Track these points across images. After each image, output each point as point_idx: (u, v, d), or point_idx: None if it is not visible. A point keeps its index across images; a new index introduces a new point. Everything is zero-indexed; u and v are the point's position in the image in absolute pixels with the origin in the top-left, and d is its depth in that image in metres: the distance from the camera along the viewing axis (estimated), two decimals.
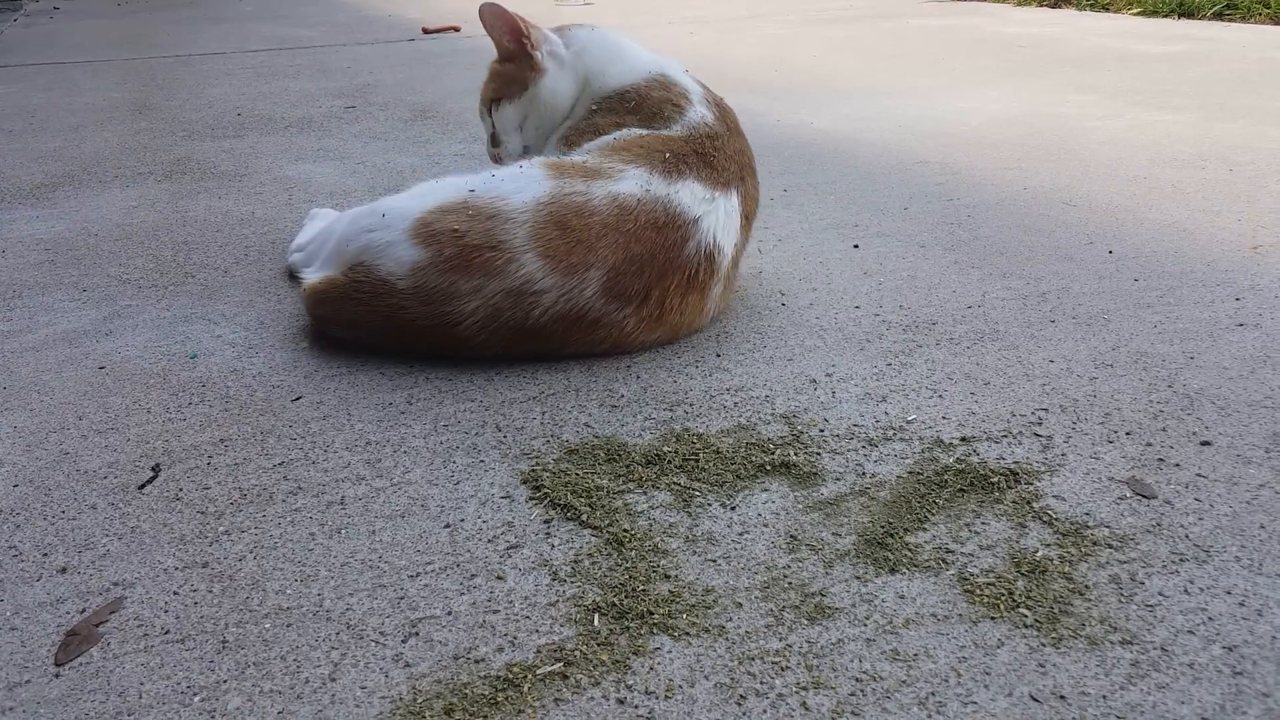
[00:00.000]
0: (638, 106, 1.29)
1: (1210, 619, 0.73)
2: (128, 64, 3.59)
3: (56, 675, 0.71)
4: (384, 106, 2.72)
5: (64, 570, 0.82)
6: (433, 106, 2.71)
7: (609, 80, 1.33)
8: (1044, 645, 0.71)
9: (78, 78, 3.31)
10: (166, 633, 0.74)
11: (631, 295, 1.12)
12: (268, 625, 0.75)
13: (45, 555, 0.84)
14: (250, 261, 1.54)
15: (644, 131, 1.25)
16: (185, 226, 1.72)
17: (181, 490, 0.93)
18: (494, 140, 1.43)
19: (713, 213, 1.17)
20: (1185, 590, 0.76)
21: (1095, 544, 0.82)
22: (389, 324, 1.13)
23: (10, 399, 1.11)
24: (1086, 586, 0.77)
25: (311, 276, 1.22)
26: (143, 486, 0.94)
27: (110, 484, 0.94)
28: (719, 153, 1.22)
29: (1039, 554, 0.81)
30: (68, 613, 0.77)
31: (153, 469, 0.97)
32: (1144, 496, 0.88)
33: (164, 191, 1.94)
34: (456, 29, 4.33)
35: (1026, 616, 0.74)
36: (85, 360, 1.21)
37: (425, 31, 4.30)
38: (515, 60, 1.37)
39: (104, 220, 1.76)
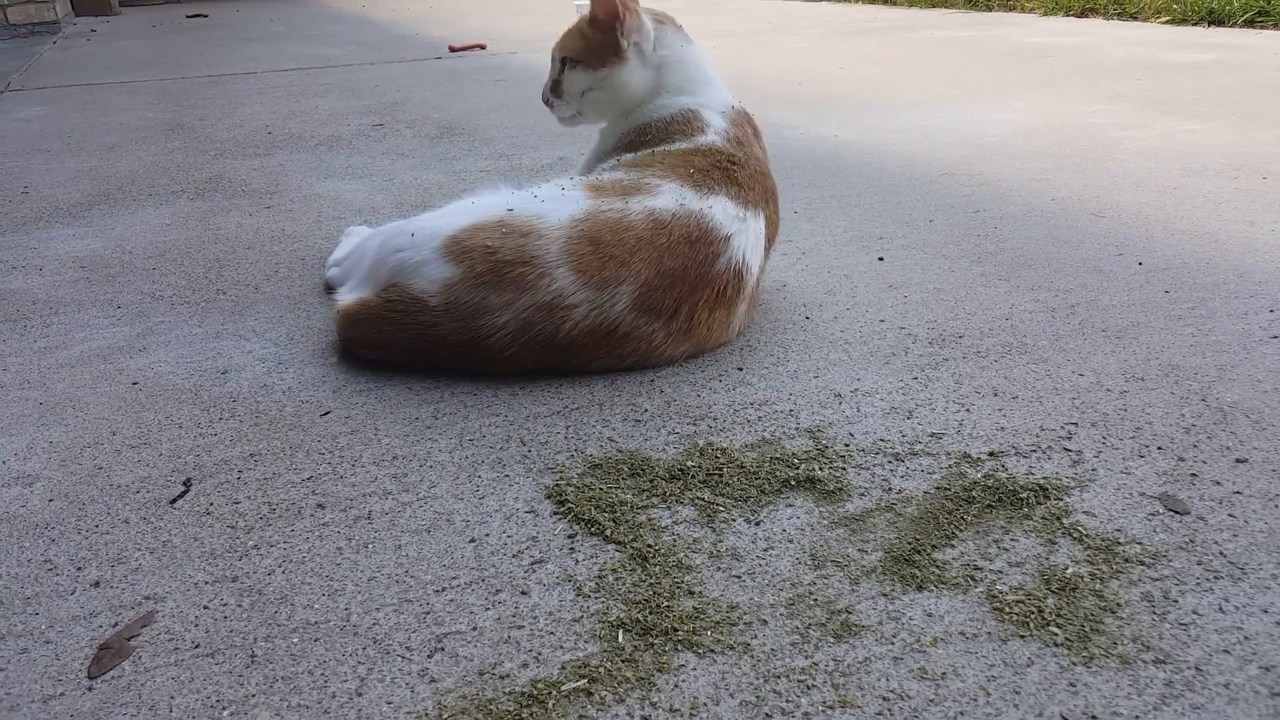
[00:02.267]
0: (656, 137, 1.31)
1: (1246, 638, 0.72)
2: (161, 84, 3.67)
3: (89, 689, 0.71)
4: (411, 124, 2.75)
5: (97, 584, 0.83)
6: (459, 124, 2.73)
7: (652, 105, 1.34)
8: (1075, 664, 0.70)
9: (113, 98, 3.38)
10: (196, 647, 0.75)
11: (662, 310, 1.13)
12: (296, 640, 0.76)
13: (79, 569, 0.85)
14: (280, 278, 1.56)
15: (663, 148, 1.27)
16: (217, 244, 1.74)
17: (212, 504, 0.94)
18: (555, 89, 1.40)
19: (743, 232, 1.19)
20: (1220, 609, 0.75)
21: (1127, 561, 0.81)
22: (421, 342, 1.14)
23: (47, 414, 1.13)
24: (1118, 604, 0.76)
25: (344, 298, 1.23)
26: (174, 501, 0.95)
27: (143, 498, 0.96)
28: (741, 170, 1.24)
29: (1069, 571, 0.80)
30: (100, 626, 0.78)
31: (184, 483, 0.98)
32: (1177, 513, 0.87)
33: (196, 209, 1.97)
34: (482, 47, 4.37)
35: (1057, 635, 0.73)
36: (119, 376, 1.23)
37: (452, 50, 4.35)
38: (602, 34, 1.34)
39: (138, 238, 1.79)
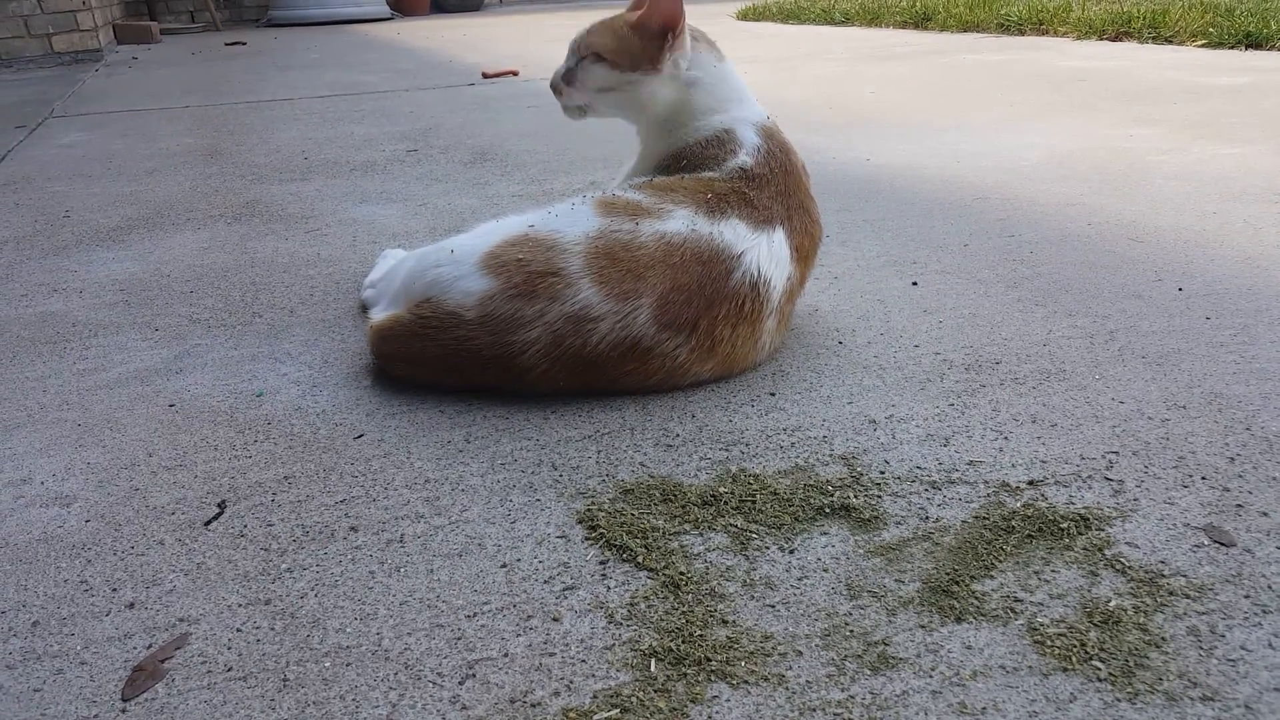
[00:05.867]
0: (690, 162, 1.31)
1: None
2: (200, 110, 3.74)
3: (123, 711, 0.72)
4: (445, 150, 2.78)
5: (132, 605, 0.84)
6: (492, 149, 2.76)
7: (685, 130, 1.34)
8: (1119, 700, 0.68)
9: (153, 124, 3.45)
10: (229, 670, 0.75)
11: (682, 324, 1.13)
12: (327, 664, 0.76)
13: (115, 590, 0.86)
14: (315, 301, 1.58)
15: (692, 175, 1.28)
16: (253, 267, 1.77)
17: (246, 527, 0.95)
18: (567, 76, 1.37)
19: (756, 247, 1.19)
20: (1270, 644, 0.73)
21: (1171, 594, 0.79)
22: (455, 357, 1.15)
23: (85, 436, 1.15)
24: (1163, 638, 0.74)
25: (378, 315, 1.25)
26: (209, 523, 0.96)
27: (178, 520, 0.97)
28: (760, 192, 1.24)
29: (1112, 604, 0.78)
30: (135, 648, 0.78)
31: (219, 505, 0.99)
32: (1222, 544, 0.85)
33: (233, 233, 2.00)
34: (515, 73, 4.42)
35: (1100, 669, 0.71)
36: (156, 398, 1.24)
37: (485, 76, 4.40)
38: (645, 40, 1.30)
39: (176, 261, 1.82)
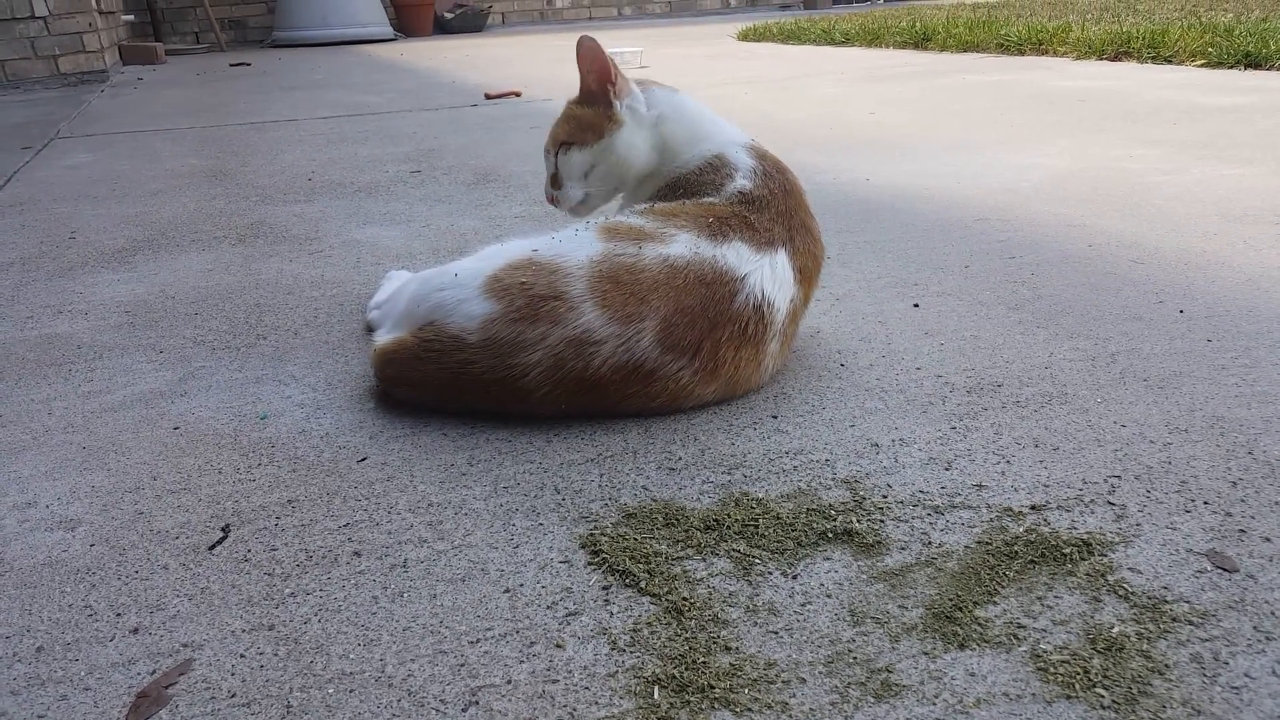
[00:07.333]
0: (687, 190, 1.34)
1: None
2: (205, 131, 3.76)
3: None
4: (448, 171, 2.80)
5: (136, 631, 0.84)
6: (494, 170, 2.78)
7: (677, 163, 1.37)
8: None
9: (158, 145, 3.47)
10: (233, 696, 0.75)
11: (685, 346, 1.14)
12: (331, 690, 0.76)
13: (119, 615, 0.86)
14: (320, 323, 1.58)
15: (693, 201, 1.30)
16: (258, 289, 1.78)
17: (250, 551, 0.95)
18: (554, 182, 1.44)
19: (759, 269, 1.20)
20: (1274, 671, 0.73)
21: (1175, 620, 0.79)
22: (457, 381, 1.15)
23: (90, 459, 1.15)
24: (1166, 665, 0.74)
25: (381, 338, 1.25)
26: (213, 547, 0.96)
27: (182, 544, 0.97)
28: (761, 214, 1.25)
29: (1115, 630, 0.78)
30: (139, 674, 0.78)
31: (223, 529, 0.99)
32: (1225, 570, 0.85)
33: (238, 255, 2.01)
34: (517, 94, 4.45)
35: (1104, 697, 0.71)
36: (161, 421, 1.25)
37: (488, 97, 4.43)
38: (595, 105, 1.38)
39: (181, 283, 1.83)
